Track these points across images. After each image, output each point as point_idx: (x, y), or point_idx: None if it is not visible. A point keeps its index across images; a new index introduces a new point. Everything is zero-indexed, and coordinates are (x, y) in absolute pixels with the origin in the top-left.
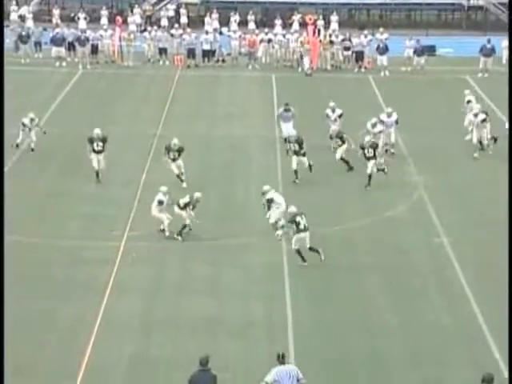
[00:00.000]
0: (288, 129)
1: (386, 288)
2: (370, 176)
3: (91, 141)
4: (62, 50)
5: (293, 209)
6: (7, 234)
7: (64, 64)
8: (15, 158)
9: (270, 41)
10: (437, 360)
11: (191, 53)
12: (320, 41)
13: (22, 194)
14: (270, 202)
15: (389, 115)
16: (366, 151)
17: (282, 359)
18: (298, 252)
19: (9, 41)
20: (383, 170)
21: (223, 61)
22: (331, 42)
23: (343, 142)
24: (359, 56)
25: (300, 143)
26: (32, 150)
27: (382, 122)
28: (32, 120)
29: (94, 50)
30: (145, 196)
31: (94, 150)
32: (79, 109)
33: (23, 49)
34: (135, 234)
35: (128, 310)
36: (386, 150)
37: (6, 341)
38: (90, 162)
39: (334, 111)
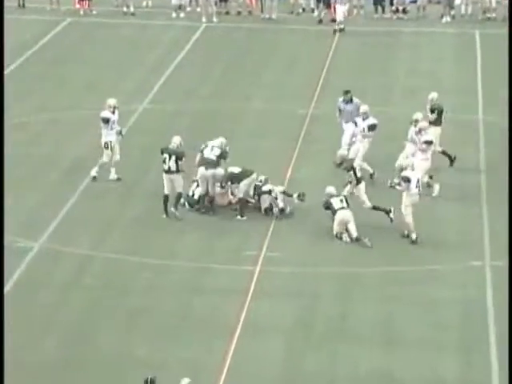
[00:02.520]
0: (345, 134)
1: None
2: None
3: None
4: None
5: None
6: (83, 247)
7: (182, 15)
8: None
9: None
10: None
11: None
12: None
13: (108, 192)
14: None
15: None
16: None
17: None
18: None
19: None
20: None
21: (404, 11)
22: None
23: None
24: None
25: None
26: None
27: None
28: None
29: None
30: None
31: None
32: (201, 77)
33: None
34: (275, 255)
35: (265, 359)
36: None
37: None
38: None
39: None
